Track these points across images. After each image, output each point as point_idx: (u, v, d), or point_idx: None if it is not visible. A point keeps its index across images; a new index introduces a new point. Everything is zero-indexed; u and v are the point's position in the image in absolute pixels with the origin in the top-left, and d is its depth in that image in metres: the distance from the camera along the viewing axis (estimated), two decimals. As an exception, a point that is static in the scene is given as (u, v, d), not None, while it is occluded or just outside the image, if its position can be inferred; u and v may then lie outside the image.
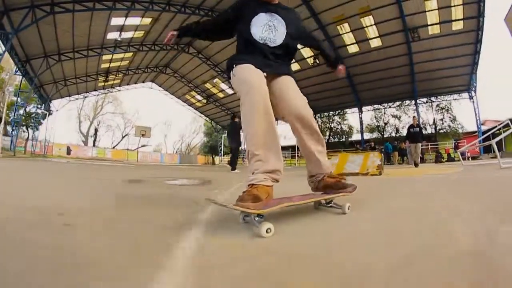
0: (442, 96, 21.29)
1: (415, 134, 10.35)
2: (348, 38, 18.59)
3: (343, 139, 29.02)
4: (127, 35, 18.87)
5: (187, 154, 44.86)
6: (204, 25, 1.85)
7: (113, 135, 46.34)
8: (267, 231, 1.10)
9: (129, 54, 21.90)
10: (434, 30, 16.48)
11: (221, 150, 35.47)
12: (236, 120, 9.54)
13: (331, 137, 29.59)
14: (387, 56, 18.66)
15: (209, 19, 1.88)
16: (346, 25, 17.74)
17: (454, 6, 15.25)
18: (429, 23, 16.29)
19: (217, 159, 34.96)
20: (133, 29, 18.41)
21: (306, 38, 1.97)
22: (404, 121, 25.00)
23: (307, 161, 1.72)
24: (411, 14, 15.96)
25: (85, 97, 28.53)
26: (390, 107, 24.54)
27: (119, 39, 18.52)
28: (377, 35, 17.78)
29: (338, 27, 17.98)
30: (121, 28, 17.82)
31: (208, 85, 27.92)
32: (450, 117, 21.80)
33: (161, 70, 26.44)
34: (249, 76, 1.48)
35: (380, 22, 16.89)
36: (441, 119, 22.23)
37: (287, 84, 1.66)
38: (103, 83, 26.02)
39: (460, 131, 21.53)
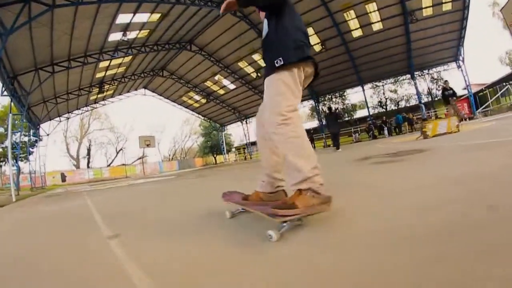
0: (434, 68, 24.38)
1: (449, 96, 11.06)
2: (353, 23, 20.29)
3: (348, 118, 31.05)
4: (131, 35, 17.84)
5: (183, 158, 43.32)
6: None
7: (106, 152, 43.25)
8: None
9: (128, 58, 20.76)
10: (428, 12, 18.98)
11: (223, 148, 35.17)
12: (332, 110, 11.86)
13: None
14: (387, 37, 20.78)
15: None
16: (352, 12, 19.41)
17: (444, -11, 18.02)
18: (423, 6, 18.79)
19: (220, 158, 34.57)
20: (138, 28, 17.46)
21: None
22: (400, 94, 28.17)
23: None
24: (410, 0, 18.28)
25: (68, 118, 25.80)
26: (387, 83, 27.24)
27: (125, 39, 17.30)
28: (379, 19, 19.78)
29: (345, 14, 19.56)
30: (126, 27, 16.76)
31: (208, 83, 27.73)
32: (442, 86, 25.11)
33: (157, 73, 25.35)
34: None
35: (382, 7, 18.88)
36: (437, 89, 25.58)
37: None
38: (95, 96, 24.00)
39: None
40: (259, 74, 25.02)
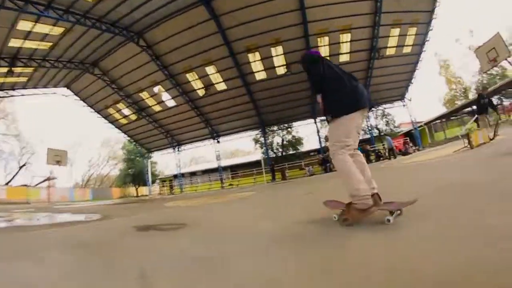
0: (383, 105, 25.54)
1: (483, 105, 9.79)
2: (324, 50, 19.87)
3: (293, 151, 29.63)
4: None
5: (98, 186, 33.89)
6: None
7: (6, 165, 33.43)
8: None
9: (59, 30, 15.36)
10: (391, 51, 20.31)
11: (148, 178, 28.89)
12: None
13: (284, 150, 29.61)
14: (350, 70, 20.68)
15: None
16: (326, 38, 19.16)
17: (409, 35, 19.68)
18: (388, 45, 20.01)
19: (143, 190, 28.25)
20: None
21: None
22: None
23: None
24: (381, 37, 19.16)
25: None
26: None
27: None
28: (348, 51, 20.08)
29: (319, 39, 19.17)
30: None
31: (144, 94, 22.87)
32: (389, 121, 26.61)
33: (87, 68, 19.56)
34: None
35: (355, 40, 19.31)
36: (386, 124, 26.77)
37: None
38: (2, 78, 16.93)
39: (398, 131, 26.61)
40: (207, 92, 22.01)
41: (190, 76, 21.28)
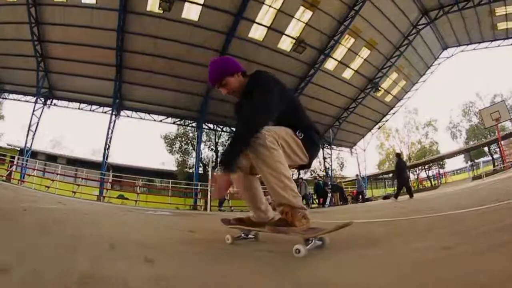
0: (336, 147, 22.59)
1: None
2: (340, 52, 17.10)
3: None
4: None
5: None
6: None
7: None
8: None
9: None
10: (379, 93, 19.94)
11: None
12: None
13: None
14: (338, 90, 18.58)
15: None
16: (352, 40, 16.79)
17: (398, 85, 20.35)
18: (381, 86, 19.64)
19: None
20: None
21: None
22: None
23: None
24: (384, 74, 18.74)
25: None
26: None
27: None
28: (356, 69, 18.17)
29: (347, 36, 16.41)
30: None
31: None
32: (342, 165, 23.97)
33: None
34: None
35: (368, 61, 17.91)
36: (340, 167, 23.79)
37: None
38: None
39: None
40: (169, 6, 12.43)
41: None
